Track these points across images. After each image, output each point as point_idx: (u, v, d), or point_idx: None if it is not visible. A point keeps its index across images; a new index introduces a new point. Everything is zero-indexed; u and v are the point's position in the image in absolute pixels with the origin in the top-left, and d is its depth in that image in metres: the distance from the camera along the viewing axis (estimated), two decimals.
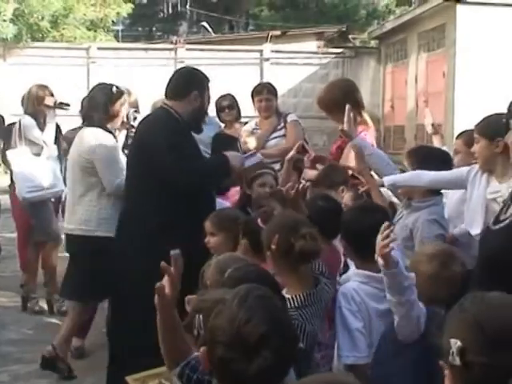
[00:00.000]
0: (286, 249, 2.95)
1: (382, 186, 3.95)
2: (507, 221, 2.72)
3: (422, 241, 3.65)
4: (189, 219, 4.01)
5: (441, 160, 3.94)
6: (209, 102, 4.40)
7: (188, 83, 4.32)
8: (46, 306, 6.81)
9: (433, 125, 5.14)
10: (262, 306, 1.80)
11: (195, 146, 4.36)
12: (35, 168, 6.46)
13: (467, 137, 4.31)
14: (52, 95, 6.53)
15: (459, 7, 15.23)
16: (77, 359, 5.37)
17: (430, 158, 3.91)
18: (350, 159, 4.52)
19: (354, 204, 3.61)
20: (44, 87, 6.59)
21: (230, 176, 4.42)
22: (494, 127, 3.48)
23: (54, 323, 6.35)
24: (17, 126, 6.62)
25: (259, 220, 3.53)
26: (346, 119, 4.26)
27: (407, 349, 2.71)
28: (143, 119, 4.57)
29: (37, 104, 6.52)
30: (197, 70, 4.59)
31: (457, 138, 4.49)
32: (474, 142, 3.63)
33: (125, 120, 5.47)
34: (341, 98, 4.82)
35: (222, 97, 6.74)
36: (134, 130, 5.49)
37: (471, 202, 3.67)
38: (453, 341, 1.53)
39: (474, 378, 1.51)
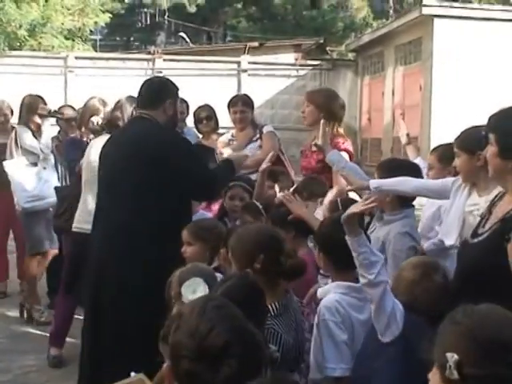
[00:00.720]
0: (272, 267, 3.05)
1: (368, 188, 3.97)
2: (485, 234, 2.74)
3: (395, 253, 3.67)
4: (179, 230, 3.98)
5: (410, 172, 3.92)
6: (178, 111, 4.52)
7: (161, 92, 4.35)
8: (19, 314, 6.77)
9: (408, 135, 5.17)
10: (221, 316, 1.83)
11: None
12: (32, 178, 6.46)
13: (440, 152, 4.34)
14: (45, 104, 6.57)
15: (436, 21, 15.38)
16: (54, 368, 5.32)
17: (399, 170, 3.91)
18: (338, 177, 4.56)
19: (331, 216, 3.63)
20: (37, 97, 6.67)
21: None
22: (474, 141, 3.46)
23: (29, 332, 6.30)
24: (12, 135, 6.66)
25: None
26: (320, 133, 4.30)
27: (386, 348, 2.74)
28: (133, 131, 4.40)
29: (31, 113, 6.56)
30: (166, 79, 4.65)
31: (430, 153, 4.51)
32: (455, 156, 3.63)
33: (98, 128, 5.48)
34: (331, 103, 4.99)
35: (201, 108, 6.75)
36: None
37: (450, 212, 3.69)
38: (449, 355, 1.52)
39: None
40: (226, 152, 5.76)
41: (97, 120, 5.54)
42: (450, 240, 3.57)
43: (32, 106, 6.59)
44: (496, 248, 2.59)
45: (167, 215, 4.04)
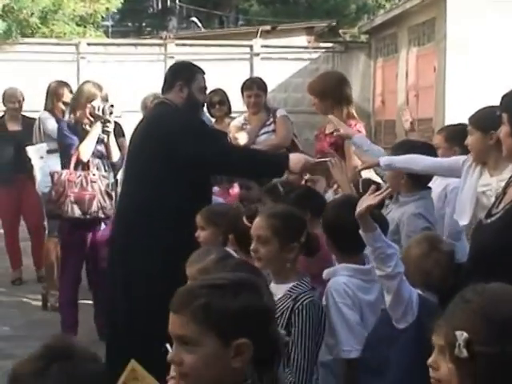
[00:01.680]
0: (307, 243, 3.13)
1: (378, 165, 3.98)
2: (498, 214, 2.72)
3: (408, 235, 3.67)
4: (194, 215, 4.01)
5: (424, 151, 3.93)
6: (202, 93, 4.44)
7: (172, 75, 4.44)
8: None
9: (411, 123, 5.19)
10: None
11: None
12: (53, 163, 6.52)
13: (447, 132, 4.33)
14: (71, 92, 6.62)
15: (449, 1, 15.24)
16: None
17: (412, 150, 3.91)
18: (352, 155, 4.58)
19: (336, 199, 3.63)
20: (64, 84, 6.75)
21: (282, 175, 4.42)
22: (488, 120, 3.48)
23: (45, 318, 6.34)
24: (37, 122, 6.75)
25: (244, 217, 3.59)
26: (337, 124, 4.33)
27: (401, 334, 2.74)
28: (150, 115, 4.64)
29: (56, 100, 6.65)
30: (186, 62, 4.79)
31: (437, 133, 4.50)
32: (468, 134, 3.64)
33: (100, 114, 5.47)
34: (334, 88, 4.97)
35: (213, 92, 6.75)
36: (108, 125, 5.51)
37: (462, 192, 3.68)
38: (458, 333, 1.51)
39: (483, 370, 1.50)
40: (241, 136, 5.75)
41: (97, 105, 5.52)
42: (464, 220, 3.57)
43: (57, 93, 6.68)
44: (508, 228, 2.58)
45: (182, 200, 4.05)
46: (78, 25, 20.57)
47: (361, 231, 2.78)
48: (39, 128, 6.71)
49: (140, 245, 4.16)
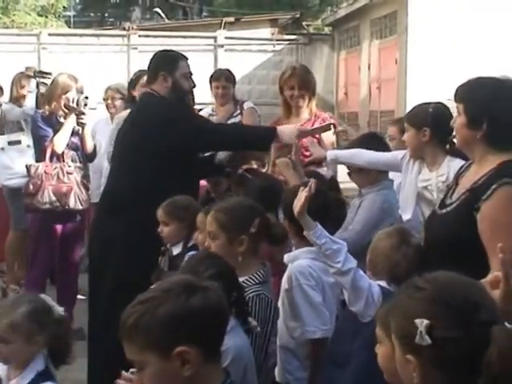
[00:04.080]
0: (264, 232, 3.13)
1: (325, 159, 4.16)
2: (454, 204, 2.76)
3: (360, 215, 3.73)
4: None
5: (379, 145, 4.01)
6: (187, 79, 4.40)
7: (155, 66, 4.42)
8: None
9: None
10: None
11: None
12: (14, 155, 6.46)
13: (401, 124, 4.38)
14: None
15: None
16: None
17: (369, 142, 3.99)
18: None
19: (295, 185, 3.66)
20: (26, 75, 6.69)
21: (269, 147, 4.38)
22: (420, 117, 3.60)
23: None
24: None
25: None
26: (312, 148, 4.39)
27: (365, 328, 2.77)
28: (136, 106, 4.71)
29: (20, 89, 6.65)
30: (167, 51, 4.72)
31: (391, 125, 4.56)
32: (405, 131, 3.72)
33: (74, 105, 5.43)
34: (312, 83, 5.06)
35: None
36: (83, 117, 5.48)
37: (404, 188, 3.77)
38: (418, 321, 1.50)
39: (446, 356, 1.50)
40: None
41: (72, 96, 5.49)
42: (407, 215, 3.66)
43: (19, 82, 6.63)
44: (465, 218, 2.63)
45: (165, 190, 4.04)
46: (39, 15, 20.36)
47: (304, 232, 2.84)
48: (1, 119, 6.64)
49: (120, 234, 4.18)
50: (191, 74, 4.43)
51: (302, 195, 2.85)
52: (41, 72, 6.58)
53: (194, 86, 4.51)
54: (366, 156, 3.87)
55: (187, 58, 4.47)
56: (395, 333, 1.60)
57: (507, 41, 15.25)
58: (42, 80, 6.38)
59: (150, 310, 1.76)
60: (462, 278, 1.58)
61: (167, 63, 4.39)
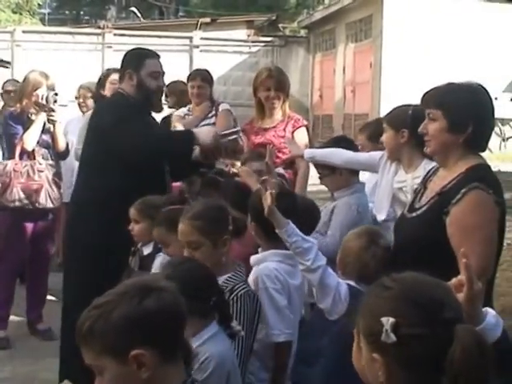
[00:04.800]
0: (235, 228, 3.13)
1: (302, 157, 4.16)
2: (424, 208, 2.80)
3: (335, 220, 3.75)
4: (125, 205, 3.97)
5: (350, 145, 4.04)
6: (154, 78, 4.24)
7: (123, 64, 4.34)
8: None
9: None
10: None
11: (150, 122, 4.35)
12: None
13: (369, 131, 4.41)
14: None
15: None
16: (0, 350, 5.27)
17: (338, 145, 4.01)
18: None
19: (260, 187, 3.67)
20: None
21: (192, 150, 4.25)
22: (400, 118, 3.62)
23: None
24: None
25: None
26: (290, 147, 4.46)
27: (332, 326, 2.80)
28: (98, 103, 4.69)
29: None
30: (136, 48, 4.61)
31: (359, 133, 4.54)
32: (384, 132, 3.74)
33: (44, 102, 5.39)
34: (287, 84, 5.07)
35: (170, 84, 6.84)
36: (53, 114, 5.44)
37: (380, 188, 3.79)
38: (384, 319, 1.52)
39: (411, 354, 1.51)
40: (178, 126, 5.74)
41: (42, 93, 5.44)
42: (382, 215, 3.68)
43: None
44: (434, 221, 2.67)
45: (129, 190, 3.99)
46: (13, 12, 20.21)
47: (276, 230, 2.85)
48: None
49: (86, 234, 4.15)
50: (160, 73, 4.31)
51: (267, 194, 2.86)
52: (2, 61, 6.58)
53: (163, 86, 4.43)
54: (344, 155, 3.89)
55: (159, 57, 4.37)
56: (362, 331, 1.61)
57: (479, 45, 15.45)
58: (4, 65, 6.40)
59: (105, 314, 1.74)
60: (428, 278, 1.61)
61: (134, 61, 4.30)
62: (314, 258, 2.78)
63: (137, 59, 4.29)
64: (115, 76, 5.74)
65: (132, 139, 4.04)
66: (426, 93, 2.85)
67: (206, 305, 2.52)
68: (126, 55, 4.40)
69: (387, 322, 1.52)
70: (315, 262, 2.78)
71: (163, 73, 4.31)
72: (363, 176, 4.18)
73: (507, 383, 1.68)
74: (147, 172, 4.07)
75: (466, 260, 1.74)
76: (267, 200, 2.85)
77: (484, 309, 1.81)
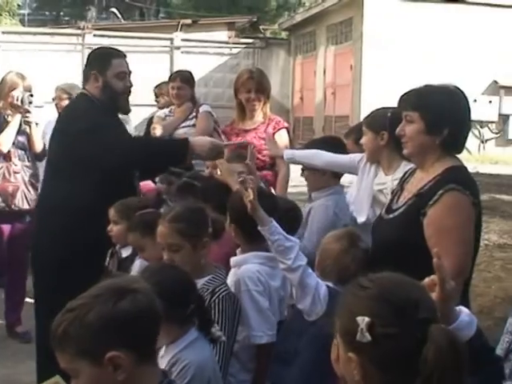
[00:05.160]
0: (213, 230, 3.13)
1: (282, 157, 4.17)
2: (401, 209, 2.82)
3: (313, 223, 3.76)
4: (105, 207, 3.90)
5: (332, 147, 4.04)
6: (121, 79, 4.08)
7: (87, 64, 4.18)
8: None
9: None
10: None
11: (119, 126, 4.23)
12: None
13: (354, 136, 4.39)
14: None
15: (366, 1, 15.58)
16: None
17: (321, 147, 4.02)
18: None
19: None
20: None
21: (185, 161, 4.12)
22: (379, 121, 3.64)
23: None
24: None
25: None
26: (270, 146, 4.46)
27: (310, 327, 2.81)
28: (63, 110, 4.50)
29: None
30: (101, 48, 4.49)
31: (345, 138, 4.53)
32: (363, 135, 3.76)
33: (19, 103, 5.36)
34: (268, 86, 5.07)
35: (160, 85, 6.91)
36: (28, 115, 5.40)
37: (360, 191, 3.81)
38: (360, 318, 1.54)
39: (385, 353, 1.53)
40: (157, 127, 5.74)
41: (17, 94, 5.40)
42: (362, 217, 3.70)
43: None
44: (411, 222, 2.69)
45: (95, 197, 3.91)
46: None
47: (258, 227, 2.84)
48: None
49: (51, 240, 4.07)
50: (127, 74, 4.15)
51: (249, 191, 2.85)
52: None
53: (131, 86, 4.22)
54: (324, 157, 3.90)
55: (125, 56, 4.20)
56: (339, 330, 1.63)
57: (458, 48, 15.58)
58: None
59: (79, 317, 1.75)
60: (404, 278, 1.63)
61: (98, 62, 4.13)
62: (295, 258, 2.78)
63: (102, 60, 4.14)
64: None
65: (108, 149, 3.88)
66: (403, 95, 2.87)
67: (184, 312, 2.52)
68: (90, 55, 4.26)
69: (362, 321, 1.54)
70: (296, 261, 2.78)
71: (130, 72, 4.16)
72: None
73: (481, 382, 1.70)
74: (117, 180, 3.96)
75: (438, 260, 1.76)
76: (250, 196, 2.85)
77: (458, 308, 1.84)
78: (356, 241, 3.00)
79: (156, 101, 7.20)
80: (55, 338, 1.77)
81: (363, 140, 3.75)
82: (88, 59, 4.21)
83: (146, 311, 1.79)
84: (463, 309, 1.86)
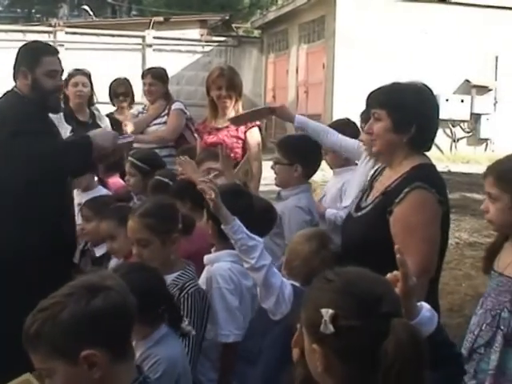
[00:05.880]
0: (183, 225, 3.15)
1: (292, 121, 4.02)
2: (368, 208, 2.83)
3: (291, 227, 3.75)
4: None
5: (309, 147, 4.03)
6: (51, 77, 3.88)
7: (17, 60, 3.94)
8: None
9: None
10: None
11: (46, 126, 3.98)
12: None
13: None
14: None
15: (338, 0, 15.63)
16: None
17: (299, 146, 4.01)
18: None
19: (220, 186, 3.67)
20: None
21: (91, 156, 3.90)
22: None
23: None
24: None
25: None
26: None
27: (274, 326, 2.82)
28: None
29: None
30: (32, 43, 4.16)
31: None
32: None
33: None
34: (239, 84, 5.07)
35: (117, 82, 6.68)
36: None
37: (355, 176, 3.81)
38: (324, 310, 1.56)
39: (348, 345, 1.56)
40: (128, 125, 5.71)
41: None
42: (347, 201, 3.70)
43: None
44: (379, 220, 2.70)
45: (32, 198, 3.74)
46: None
47: (222, 225, 2.83)
48: None
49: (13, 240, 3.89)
50: (58, 72, 3.95)
51: (209, 189, 2.84)
52: None
53: (62, 85, 4.11)
54: (331, 136, 3.91)
55: (57, 52, 4.00)
56: (304, 322, 1.65)
57: (430, 47, 15.69)
58: None
59: (52, 316, 1.74)
60: (369, 272, 1.66)
61: (28, 58, 3.92)
62: (259, 257, 2.78)
63: (32, 56, 3.94)
64: (78, 79, 5.66)
65: (29, 155, 3.67)
66: (371, 92, 2.88)
67: (155, 313, 2.52)
68: (19, 50, 4.03)
69: (326, 313, 1.57)
70: (259, 260, 2.78)
71: (62, 71, 3.98)
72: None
73: (442, 377, 1.73)
74: (46, 185, 3.73)
75: (400, 256, 1.80)
76: (211, 195, 2.83)
77: (419, 303, 1.87)
78: (326, 243, 2.98)
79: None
80: (27, 338, 1.76)
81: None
82: (17, 54, 3.98)
83: (119, 308, 1.79)
84: (424, 304, 1.89)
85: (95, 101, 6.08)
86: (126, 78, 6.68)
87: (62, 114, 5.41)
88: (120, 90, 6.57)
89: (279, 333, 2.76)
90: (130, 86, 6.63)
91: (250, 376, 2.88)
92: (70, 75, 5.71)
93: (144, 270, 2.70)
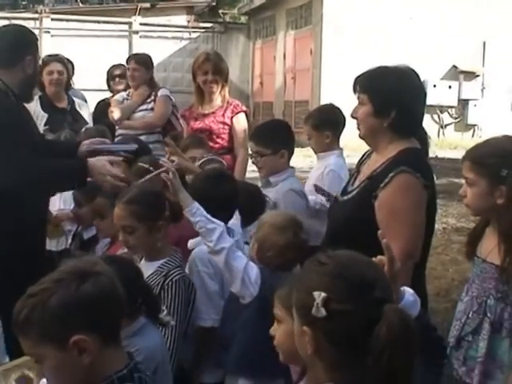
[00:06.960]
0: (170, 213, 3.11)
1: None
2: (354, 192, 2.82)
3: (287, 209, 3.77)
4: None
5: (286, 130, 4.06)
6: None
7: (20, 47, 3.61)
8: None
9: None
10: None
11: (28, 124, 3.71)
12: None
13: (313, 120, 4.36)
14: None
15: None
16: None
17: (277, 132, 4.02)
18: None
19: (204, 171, 3.64)
20: None
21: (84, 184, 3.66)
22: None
23: None
24: None
25: None
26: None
27: (244, 309, 2.83)
28: None
29: None
30: (24, 28, 3.85)
31: (304, 123, 4.48)
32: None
33: None
34: (226, 69, 5.07)
35: (114, 66, 6.78)
36: None
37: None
38: (316, 293, 1.56)
39: (339, 329, 1.55)
40: (115, 111, 5.68)
41: None
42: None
43: None
44: (364, 205, 2.69)
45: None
46: None
47: (183, 209, 2.85)
48: None
49: None
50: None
51: (170, 171, 2.85)
52: None
53: (35, 74, 3.76)
54: None
55: (37, 39, 3.79)
56: (295, 304, 1.65)
57: (418, 33, 15.69)
58: None
59: (42, 302, 1.73)
60: (362, 257, 1.66)
61: (33, 44, 3.69)
62: (218, 240, 2.77)
63: (35, 43, 3.75)
64: (53, 67, 5.60)
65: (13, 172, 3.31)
66: (357, 77, 2.87)
67: (132, 307, 2.51)
68: (18, 36, 3.69)
69: (319, 296, 1.56)
70: (219, 243, 2.77)
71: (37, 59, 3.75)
72: None
73: (424, 361, 1.74)
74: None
75: (385, 240, 1.82)
76: (168, 177, 2.83)
77: (402, 288, 1.87)
78: (299, 232, 2.95)
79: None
80: (17, 324, 1.75)
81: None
82: (15, 39, 3.62)
83: (109, 293, 1.79)
84: (407, 289, 1.89)
85: (72, 85, 6.06)
86: (122, 64, 6.70)
87: (38, 101, 5.38)
88: (116, 72, 6.62)
89: (250, 316, 2.78)
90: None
91: (225, 361, 2.89)
92: (45, 62, 5.58)
93: (118, 263, 2.63)
